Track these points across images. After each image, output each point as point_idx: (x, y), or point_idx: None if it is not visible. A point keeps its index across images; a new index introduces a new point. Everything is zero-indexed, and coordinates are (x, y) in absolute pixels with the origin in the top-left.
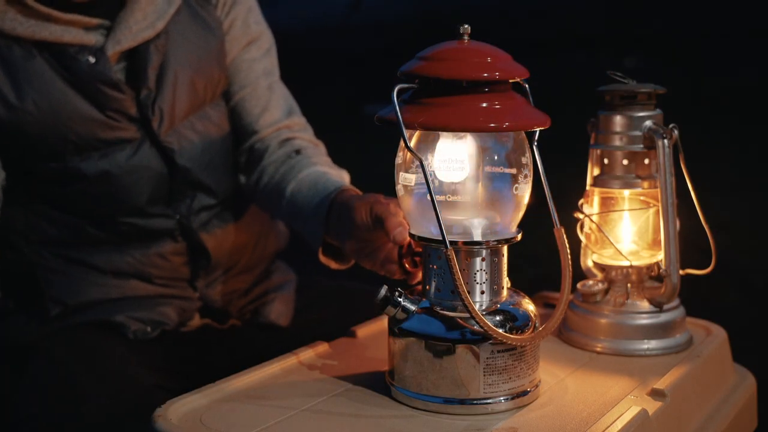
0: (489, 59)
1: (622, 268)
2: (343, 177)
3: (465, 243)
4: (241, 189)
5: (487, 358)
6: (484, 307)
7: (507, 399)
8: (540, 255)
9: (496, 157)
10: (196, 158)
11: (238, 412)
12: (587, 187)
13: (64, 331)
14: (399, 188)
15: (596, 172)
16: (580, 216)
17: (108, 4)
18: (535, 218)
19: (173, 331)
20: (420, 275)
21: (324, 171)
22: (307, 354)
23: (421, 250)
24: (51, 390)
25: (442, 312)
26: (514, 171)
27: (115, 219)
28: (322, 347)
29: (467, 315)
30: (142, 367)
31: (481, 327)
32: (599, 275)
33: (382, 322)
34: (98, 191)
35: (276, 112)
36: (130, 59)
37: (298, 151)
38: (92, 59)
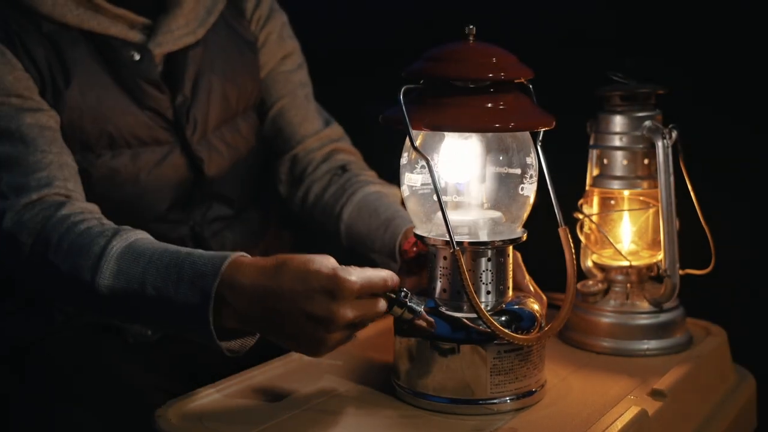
0: (494, 60)
1: (622, 268)
2: (396, 195)
3: (471, 243)
4: (259, 202)
5: (494, 359)
6: (489, 308)
7: (513, 399)
8: (541, 255)
9: (501, 158)
10: (223, 170)
11: (238, 412)
12: (587, 188)
13: (64, 333)
14: (404, 189)
15: (596, 172)
16: (580, 216)
17: (152, 4)
18: (537, 218)
19: (173, 334)
20: (409, 282)
21: (378, 192)
22: None
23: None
24: (49, 392)
25: (447, 312)
26: (519, 171)
27: (134, 225)
28: None
29: (473, 315)
30: (142, 369)
31: (489, 327)
32: (599, 275)
33: (383, 322)
34: (123, 193)
35: (316, 122)
36: (167, 64)
37: (343, 168)
38: (137, 56)
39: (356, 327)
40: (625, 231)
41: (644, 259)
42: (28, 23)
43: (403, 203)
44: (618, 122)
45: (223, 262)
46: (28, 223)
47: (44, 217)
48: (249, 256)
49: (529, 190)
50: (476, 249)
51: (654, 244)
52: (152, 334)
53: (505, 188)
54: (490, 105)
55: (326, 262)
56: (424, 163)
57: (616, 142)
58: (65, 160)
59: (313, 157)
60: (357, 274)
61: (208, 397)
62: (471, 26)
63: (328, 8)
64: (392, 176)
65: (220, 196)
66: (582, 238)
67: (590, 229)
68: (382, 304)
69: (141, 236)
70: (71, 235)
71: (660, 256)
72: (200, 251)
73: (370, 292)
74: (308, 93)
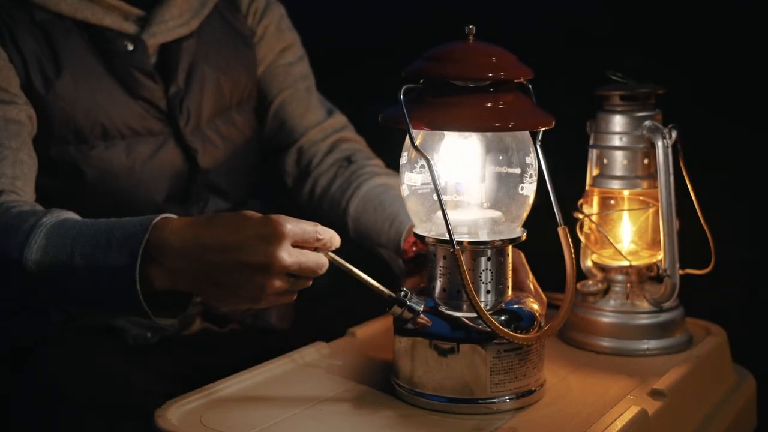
0: (494, 59)
1: (621, 268)
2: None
3: (470, 243)
4: (257, 197)
5: (494, 358)
6: (489, 307)
7: (512, 398)
8: (541, 254)
9: (500, 157)
10: (218, 161)
11: (238, 412)
12: (587, 187)
13: (63, 334)
14: (404, 188)
15: (596, 172)
16: (580, 216)
17: None
18: (537, 218)
19: (173, 336)
20: (409, 281)
21: (383, 185)
22: (307, 354)
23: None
24: (50, 392)
25: (447, 312)
26: (518, 171)
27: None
28: (322, 347)
29: (473, 315)
30: (142, 371)
31: (489, 327)
32: (599, 275)
33: (382, 323)
34: (119, 186)
35: (319, 112)
36: (160, 55)
37: (349, 159)
38: (130, 46)
39: (297, 280)
40: (625, 231)
41: (644, 259)
42: (21, 11)
43: None
44: (618, 122)
45: (151, 221)
46: None
47: None
48: (177, 217)
49: (528, 189)
50: (476, 248)
51: (654, 244)
52: (152, 336)
53: (504, 188)
54: (489, 104)
55: (255, 213)
56: (423, 162)
57: (616, 141)
58: (21, 158)
59: (318, 148)
60: (290, 221)
61: (208, 397)
62: (471, 26)
63: (327, 8)
64: None
65: (217, 189)
66: (582, 237)
67: (590, 228)
68: (322, 257)
69: (72, 215)
70: (3, 219)
71: (660, 255)
72: (130, 218)
73: (303, 237)
74: (309, 85)
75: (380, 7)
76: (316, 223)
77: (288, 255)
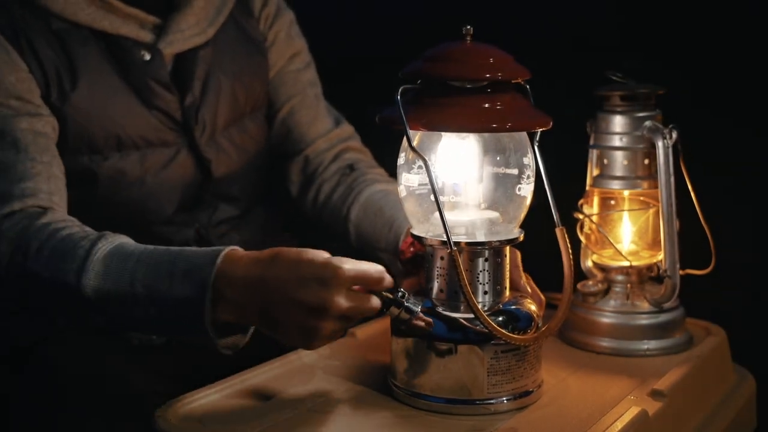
0: (491, 60)
1: (622, 268)
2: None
3: (468, 243)
4: (265, 203)
5: (491, 359)
6: (486, 308)
7: (510, 399)
8: (541, 255)
9: (498, 158)
10: (231, 170)
11: (238, 412)
12: (587, 188)
13: (63, 334)
14: (401, 189)
15: (596, 172)
16: (580, 216)
17: (162, 3)
18: (535, 218)
19: (164, 336)
20: (407, 282)
21: (383, 190)
22: (307, 354)
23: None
24: (50, 392)
25: (445, 313)
26: (516, 171)
27: (140, 227)
28: (322, 348)
29: (471, 315)
30: (142, 371)
31: (486, 327)
32: (599, 275)
33: (382, 323)
34: (130, 196)
35: (326, 121)
36: (175, 64)
37: (351, 167)
38: (147, 56)
39: (349, 320)
40: (626, 231)
41: (644, 260)
42: (38, 21)
43: None
44: (618, 122)
45: (219, 254)
46: (7, 233)
47: (23, 227)
48: (242, 249)
49: (526, 190)
50: (473, 249)
51: (654, 245)
52: (157, 337)
53: (502, 188)
54: (487, 105)
55: (320, 252)
56: (421, 163)
57: (617, 142)
58: (54, 172)
59: (323, 157)
60: (351, 264)
61: (208, 397)
62: (468, 26)
63: (337, 14)
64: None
65: (227, 197)
66: (582, 238)
67: (590, 229)
68: (376, 301)
69: (126, 240)
70: (52, 241)
71: (660, 256)
72: (191, 248)
73: (364, 283)
74: (317, 92)
75: (390, 14)
76: (376, 264)
77: (345, 300)
